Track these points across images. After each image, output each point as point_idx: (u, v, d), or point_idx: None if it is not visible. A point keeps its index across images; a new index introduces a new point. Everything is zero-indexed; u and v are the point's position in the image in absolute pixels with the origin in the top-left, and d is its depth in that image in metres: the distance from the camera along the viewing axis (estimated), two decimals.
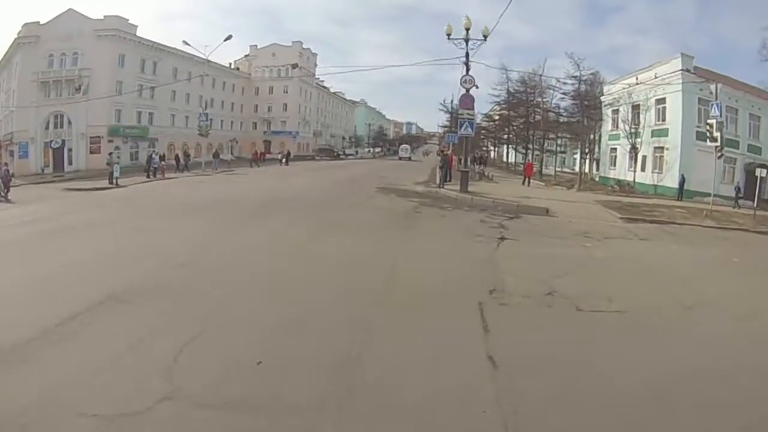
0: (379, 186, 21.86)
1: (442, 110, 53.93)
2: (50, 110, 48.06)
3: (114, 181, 24.52)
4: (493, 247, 9.18)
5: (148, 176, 28.70)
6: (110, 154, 28.66)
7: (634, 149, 30.96)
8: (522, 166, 43.12)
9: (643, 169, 31.44)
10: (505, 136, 56.57)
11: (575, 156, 51.21)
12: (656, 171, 30.98)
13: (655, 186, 30.23)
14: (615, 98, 33.92)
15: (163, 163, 31.44)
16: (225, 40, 36.33)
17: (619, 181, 30.10)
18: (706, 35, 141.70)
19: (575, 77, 32.32)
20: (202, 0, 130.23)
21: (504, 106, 52.23)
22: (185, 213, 13.55)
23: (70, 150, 48.07)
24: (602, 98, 37.34)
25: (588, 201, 19.97)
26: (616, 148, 37.37)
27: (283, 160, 45.13)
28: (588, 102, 32.65)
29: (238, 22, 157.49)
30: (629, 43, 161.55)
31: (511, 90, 50.00)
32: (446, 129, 48.65)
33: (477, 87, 20.66)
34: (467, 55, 19.73)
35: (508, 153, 60.04)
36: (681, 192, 26.30)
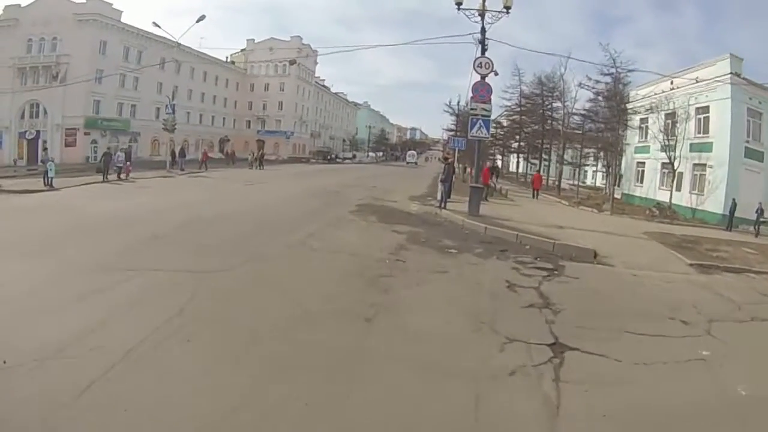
0: (361, 202, 17.52)
1: (447, 112, 47.78)
2: (26, 98, 45.01)
3: (49, 181, 20.28)
4: (549, 389, 4.17)
5: (104, 178, 23.58)
6: (44, 150, 24.88)
7: (671, 165, 26.28)
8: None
9: (678, 188, 26.94)
10: (515, 145, 51.82)
11: (586, 168, 46.88)
12: (695, 192, 26.55)
13: (694, 209, 25.80)
14: (644, 105, 29.18)
15: (128, 163, 26.30)
16: (197, 21, 31.90)
17: (659, 203, 25.61)
18: (711, 47, 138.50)
19: (609, 74, 26.90)
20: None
21: (516, 110, 47.42)
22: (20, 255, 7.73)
23: (45, 142, 44.31)
24: (628, 105, 32.72)
25: (634, 232, 15.67)
26: (644, 163, 32.86)
27: (256, 162, 39.52)
28: (623, 105, 27.30)
29: (242, 21, 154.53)
30: (634, 55, 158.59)
31: (525, 93, 45.74)
32: (452, 133, 43.08)
33: (496, 73, 16.14)
34: (483, 30, 15.28)
35: (519, 164, 55.13)
36: (731, 220, 21.82)
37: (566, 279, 8.21)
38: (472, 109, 15.64)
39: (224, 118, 68.20)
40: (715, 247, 14.04)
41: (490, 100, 15.42)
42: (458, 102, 45.03)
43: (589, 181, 59.04)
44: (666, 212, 23.74)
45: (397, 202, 18.90)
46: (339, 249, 9.37)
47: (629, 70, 26.42)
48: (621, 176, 41.33)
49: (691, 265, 10.88)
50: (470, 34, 15.67)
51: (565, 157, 38.77)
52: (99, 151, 35.40)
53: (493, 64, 15.02)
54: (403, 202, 19.02)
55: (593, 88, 28.75)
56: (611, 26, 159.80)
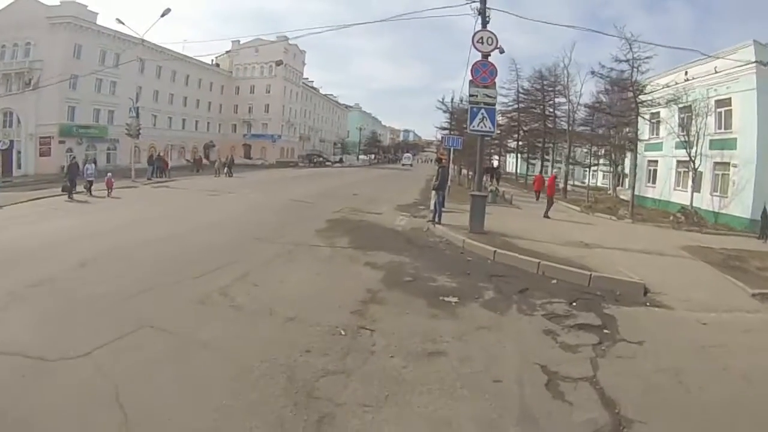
0: (335, 217, 14.80)
1: (441, 109, 43.97)
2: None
3: None
4: None
5: (69, 195, 19.45)
6: None
7: (691, 164, 23.50)
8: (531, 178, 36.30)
9: (698, 190, 24.26)
10: (513, 144, 48.88)
11: (586, 167, 43.95)
12: (717, 194, 23.86)
13: (716, 213, 23.01)
14: (658, 98, 26.34)
15: (109, 175, 22.32)
16: (162, 15, 29.01)
17: (683, 208, 22.86)
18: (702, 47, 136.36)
19: (625, 61, 23.70)
20: (202, 6, 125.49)
21: (513, 107, 44.49)
22: None
23: (19, 152, 42.46)
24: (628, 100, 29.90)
25: (670, 247, 12.92)
26: (656, 161, 30.12)
27: (224, 169, 36.35)
28: (640, 97, 24.09)
29: (234, 28, 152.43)
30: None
31: (524, 89, 42.95)
32: (445, 132, 39.44)
33: (501, 51, 13.17)
34: None
35: (518, 164, 52.15)
36: (765, 228, 18.99)
37: (627, 349, 5.42)
38: (471, 95, 12.29)
39: (208, 123, 65.41)
40: (764, 264, 11.55)
41: (494, 84, 12.38)
42: (452, 99, 41.74)
43: (589, 181, 56.44)
44: (692, 218, 21.03)
45: (382, 214, 16.16)
46: (273, 305, 6.24)
47: (647, 57, 23.39)
48: (626, 176, 38.85)
49: (754, 295, 8.39)
50: (468, 3, 12.84)
51: (572, 156, 35.78)
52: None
53: (497, 40, 12.08)
54: (389, 214, 16.27)
55: (607, 76, 25.66)
56: (603, 27, 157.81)
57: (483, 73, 12.11)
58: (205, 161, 47.23)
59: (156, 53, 47.69)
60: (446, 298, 6.89)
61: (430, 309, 6.41)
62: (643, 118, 24.88)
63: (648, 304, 7.38)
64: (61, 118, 42.93)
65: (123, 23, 31.05)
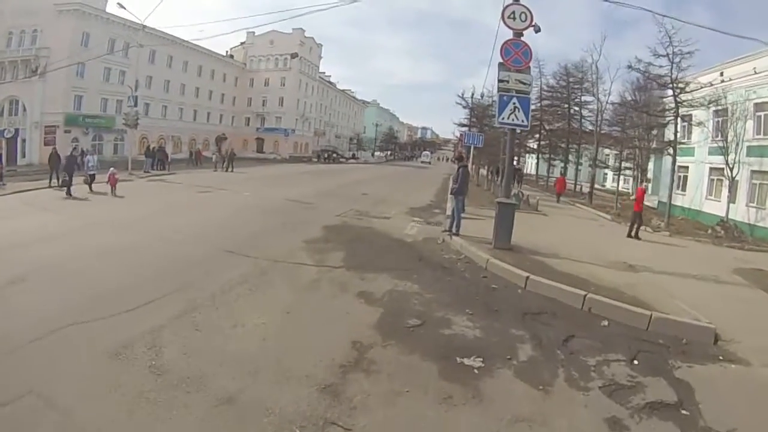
0: (334, 222, 12.77)
1: (460, 104, 40.26)
2: (5, 95, 41.33)
3: None
4: None
5: (68, 191, 16.83)
6: None
7: (729, 171, 21.06)
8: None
9: (733, 200, 21.90)
10: (534, 145, 46.02)
11: (606, 171, 41.22)
12: (753, 205, 21.48)
13: (751, 226, 20.67)
14: (696, 98, 23.82)
15: (112, 170, 18.99)
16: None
17: (722, 221, 20.54)
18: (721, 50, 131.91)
19: (664, 56, 21.12)
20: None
21: (536, 104, 41.64)
22: None
23: (24, 141, 41.28)
24: (664, 100, 27.47)
25: (720, 269, 10.84)
26: (687, 167, 27.62)
27: (223, 163, 33.73)
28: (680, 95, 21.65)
29: (252, 20, 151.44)
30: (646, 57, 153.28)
31: (548, 86, 40.40)
32: (464, 128, 36.48)
33: (537, 29, 10.62)
34: None
35: (539, 165, 49.54)
36: None
37: None
38: (500, 81, 9.97)
39: (221, 115, 63.77)
40: None
41: (528, 68, 10.23)
42: (471, 94, 38.77)
43: (609, 185, 53.56)
44: (732, 232, 18.69)
45: (390, 218, 14.12)
46: (210, 369, 4.29)
47: (687, 53, 20.94)
48: (648, 180, 36.42)
49: None
50: None
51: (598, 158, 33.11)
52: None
53: (531, 15, 9.88)
54: (398, 219, 14.20)
55: (645, 72, 23.03)
56: (620, 29, 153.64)
57: (515, 54, 9.86)
58: (206, 154, 45.21)
59: (166, 42, 45.83)
60: (466, 361, 4.81)
61: (442, 382, 4.34)
62: (683, 119, 22.46)
63: (721, 358, 5.58)
64: (68, 107, 41.91)
65: (123, 7, 29.10)
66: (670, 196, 21.88)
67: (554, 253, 10.10)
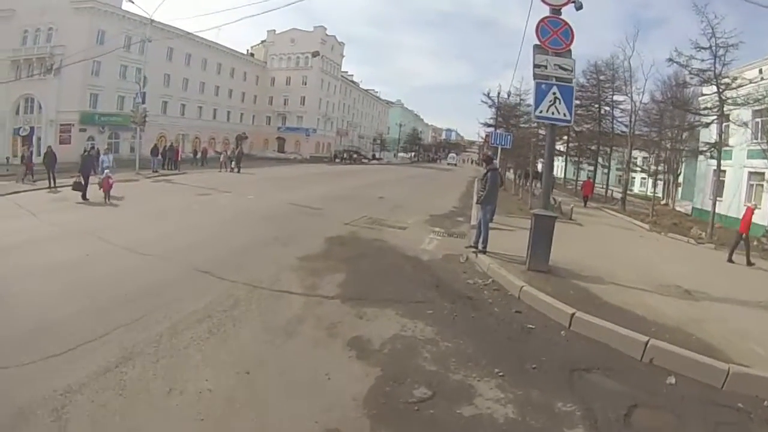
0: (341, 231, 11.21)
1: (486, 103, 37.27)
2: (20, 93, 41.23)
3: None
4: None
5: (83, 195, 15.15)
6: None
7: None
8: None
9: None
10: (562, 147, 43.61)
11: (634, 175, 39.00)
12: None
13: None
14: (740, 95, 21.64)
15: (107, 172, 18.33)
16: None
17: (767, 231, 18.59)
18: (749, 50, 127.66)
19: (707, 48, 18.96)
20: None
21: None
22: None
23: (39, 139, 40.19)
24: (704, 98, 25.20)
25: None
26: (724, 171, 25.55)
27: (228, 163, 31.73)
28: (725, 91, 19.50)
29: (274, 21, 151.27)
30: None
31: (578, 84, 38.16)
32: (490, 129, 34.13)
33: (579, 6, 8.49)
34: None
35: (567, 168, 47.12)
36: None
37: None
38: (536, 66, 8.12)
39: (242, 114, 63.07)
40: None
41: (569, 51, 8.19)
42: (498, 93, 36.44)
43: (636, 189, 51.15)
44: None
45: (406, 228, 12.43)
46: None
47: (730, 45, 18.84)
48: (678, 185, 34.04)
49: None
50: None
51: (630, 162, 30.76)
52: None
53: None
54: (416, 229, 12.50)
55: (686, 66, 20.86)
56: (645, 30, 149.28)
57: (554, 34, 8.03)
58: (212, 152, 43.90)
59: (179, 37, 44.65)
60: None
61: None
62: (728, 119, 20.31)
63: None
64: (83, 106, 41.63)
65: (133, 2, 27.98)
66: (714, 204, 19.72)
67: (598, 276, 8.31)
